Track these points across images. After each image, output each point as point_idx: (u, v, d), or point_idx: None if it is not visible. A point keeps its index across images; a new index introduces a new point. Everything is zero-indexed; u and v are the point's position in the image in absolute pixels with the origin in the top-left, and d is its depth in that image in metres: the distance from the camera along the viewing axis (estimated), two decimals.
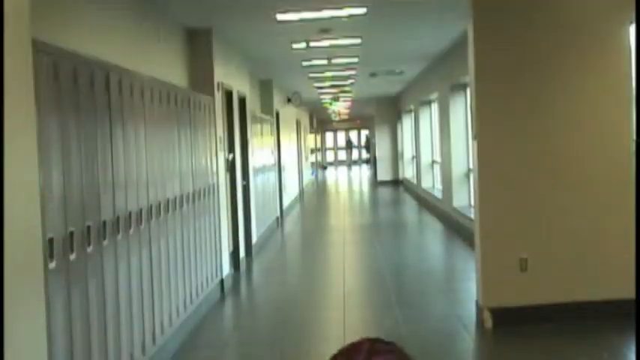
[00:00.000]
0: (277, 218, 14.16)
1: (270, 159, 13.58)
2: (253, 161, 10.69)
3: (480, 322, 5.95)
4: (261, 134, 12.30)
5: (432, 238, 12.08)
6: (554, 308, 5.84)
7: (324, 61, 11.61)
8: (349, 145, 41.33)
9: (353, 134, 41.65)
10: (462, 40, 8.37)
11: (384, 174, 23.62)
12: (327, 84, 16.26)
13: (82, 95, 3.92)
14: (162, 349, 5.33)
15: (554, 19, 5.87)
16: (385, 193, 20.84)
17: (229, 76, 8.90)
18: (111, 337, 4.21)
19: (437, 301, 6.99)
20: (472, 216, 7.57)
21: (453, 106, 11.76)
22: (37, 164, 3.19)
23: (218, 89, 8.06)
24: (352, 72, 13.70)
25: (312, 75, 13.80)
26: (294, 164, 19.30)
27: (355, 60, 11.62)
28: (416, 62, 12.78)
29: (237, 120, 9.44)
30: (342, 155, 41.37)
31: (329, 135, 41.56)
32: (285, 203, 16.13)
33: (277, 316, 7.13)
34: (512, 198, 5.88)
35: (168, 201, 5.60)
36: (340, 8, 7.14)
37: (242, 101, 9.96)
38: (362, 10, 7.37)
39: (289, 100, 17.29)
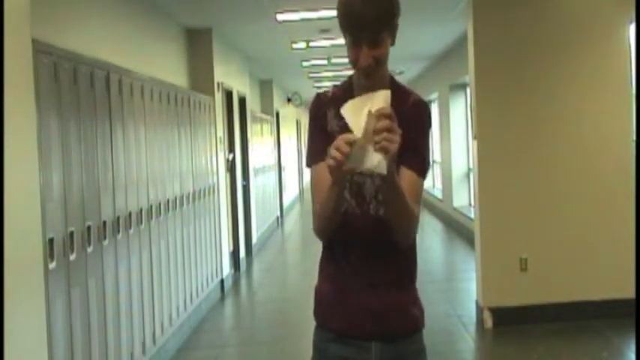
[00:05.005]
0: (277, 218, 14.16)
1: (270, 159, 13.58)
2: (253, 161, 10.69)
3: (480, 322, 5.95)
4: (261, 134, 12.31)
5: (432, 237, 12.07)
6: (554, 308, 5.84)
7: (324, 61, 11.60)
8: None
9: None
10: (461, 40, 8.37)
11: None
12: (327, 84, 16.25)
13: (82, 95, 3.92)
14: (163, 348, 5.33)
15: (554, 18, 5.86)
16: None
17: (229, 75, 8.90)
18: (111, 336, 4.21)
19: (437, 301, 6.97)
20: (472, 216, 7.57)
21: (453, 105, 11.77)
22: (37, 164, 3.19)
23: (218, 89, 8.06)
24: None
25: (312, 75, 13.80)
26: (295, 164, 19.30)
27: None
28: (416, 62, 12.76)
29: (237, 120, 9.45)
30: None
31: None
32: (285, 203, 16.13)
33: (277, 315, 7.13)
34: (513, 198, 5.88)
35: (168, 201, 5.60)
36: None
37: (242, 101, 9.96)
38: None
39: (289, 100, 17.29)
